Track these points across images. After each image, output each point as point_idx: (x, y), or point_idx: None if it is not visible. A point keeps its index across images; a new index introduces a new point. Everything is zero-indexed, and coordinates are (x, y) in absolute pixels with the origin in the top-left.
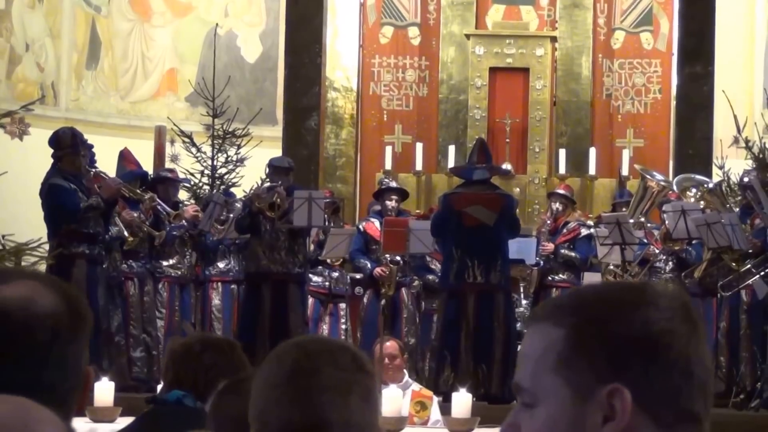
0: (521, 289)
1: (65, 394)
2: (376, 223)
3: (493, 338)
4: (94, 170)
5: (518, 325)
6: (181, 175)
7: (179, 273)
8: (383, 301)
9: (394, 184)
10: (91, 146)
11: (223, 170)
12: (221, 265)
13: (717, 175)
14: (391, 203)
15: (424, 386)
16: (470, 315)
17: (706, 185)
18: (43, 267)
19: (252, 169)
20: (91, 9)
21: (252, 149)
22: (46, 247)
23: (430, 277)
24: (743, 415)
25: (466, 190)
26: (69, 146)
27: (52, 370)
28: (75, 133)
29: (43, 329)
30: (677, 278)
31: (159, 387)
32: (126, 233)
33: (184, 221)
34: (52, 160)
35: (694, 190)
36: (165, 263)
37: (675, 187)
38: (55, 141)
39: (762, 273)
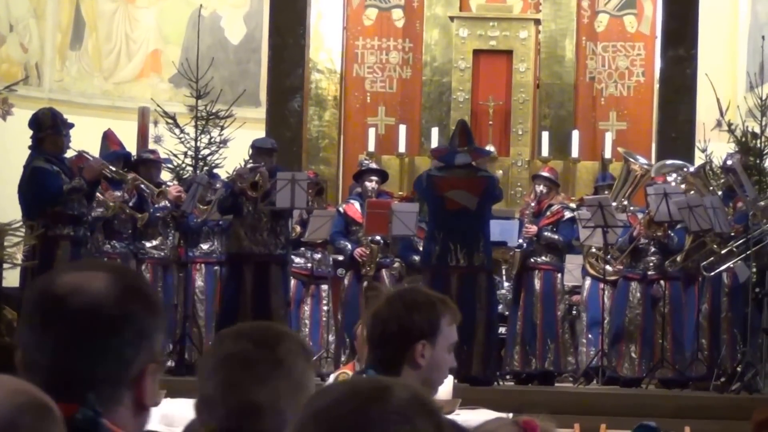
0: (503, 272)
1: (105, 380)
2: (356, 204)
3: (475, 319)
4: (78, 151)
5: (500, 307)
6: (164, 156)
7: (162, 254)
8: (365, 283)
9: (374, 166)
10: (72, 125)
11: (207, 151)
12: (205, 246)
13: (700, 159)
14: (371, 184)
15: None
16: (453, 296)
17: (685, 169)
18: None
19: (235, 151)
20: None
21: (235, 130)
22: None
23: (416, 258)
24: (724, 397)
25: (448, 174)
26: (50, 127)
27: (85, 356)
28: (55, 114)
29: (79, 316)
30: (660, 262)
31: None
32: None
33: (167, 202)
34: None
35: (674, 175)
36: (148, 244)
37: (653, 175)
38: (36, 122)
39: (744, 256)
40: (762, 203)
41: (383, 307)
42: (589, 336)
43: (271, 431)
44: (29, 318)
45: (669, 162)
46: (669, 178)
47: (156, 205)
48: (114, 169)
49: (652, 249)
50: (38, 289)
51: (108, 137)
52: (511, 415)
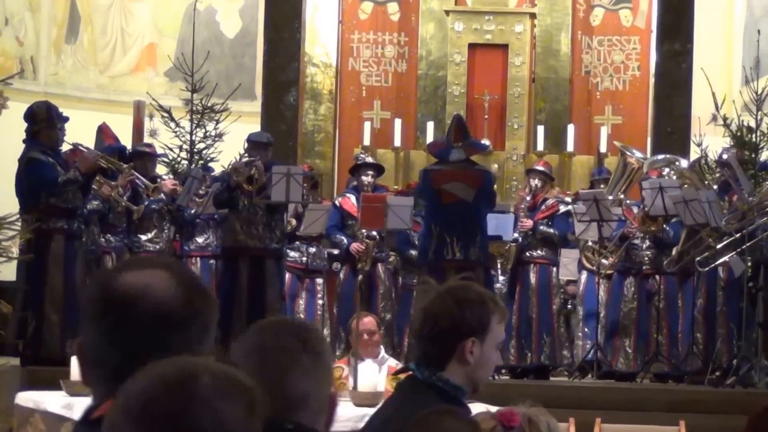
0: (498, 266)
1: None
2: (352, 198)
3: None
4: (73, 144)
5: None
6: (160, 150)
7: (157, 247)
8: (360, 277)
9: (369, 159)
10: (67, 119)
11: (202, 145)
12: (200, 240)
13: (695, 153)
14: (367, 178)
15: (401, 362)
16: None
17: (677, 162)
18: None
19: (230, 145)
20: None
21: (230, 124)
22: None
23: (413, 252)
24: (719, 392)
25: (445, 167)
26: (45, 120)
27: (154, 353)
28: (50, 107)
29: (146, 315)
30: (655, 256)
31: None
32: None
33: (162, 195)
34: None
35: (667, 170)
36: (143, 237)
37: (645, 170)
38: (31, 115)
39: (739, 250)
40: (756, 197)
41: (434, 303)
42: (585, 329)
43: (310, 418)
44: (98, 320)
45: (660, 156)
46: (663, 172)
47: (150, 198)
48: (109, 159)
49: (647, 243)
50: (104, 292)
51: (103, 131)
52: (495, 408)
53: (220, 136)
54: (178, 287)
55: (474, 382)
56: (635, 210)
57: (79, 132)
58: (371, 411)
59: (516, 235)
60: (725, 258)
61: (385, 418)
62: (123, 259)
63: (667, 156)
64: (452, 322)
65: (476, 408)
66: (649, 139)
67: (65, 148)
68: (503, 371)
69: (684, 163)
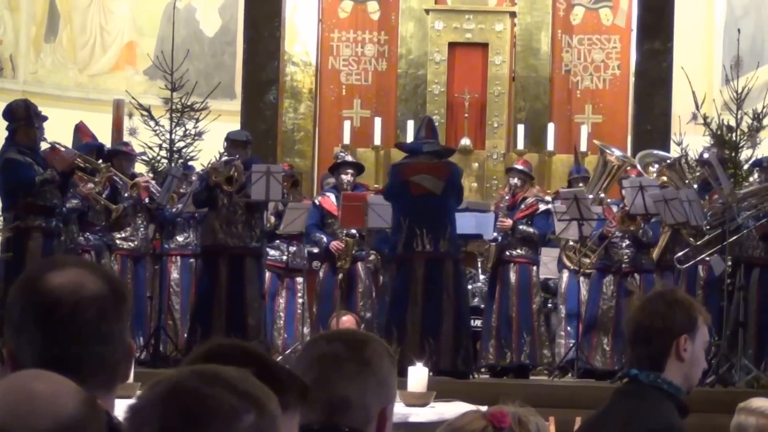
0: (479, 264)
1: (114, 365)
2: (332, 197)
3: (442, 310)
4: (51, 143)
5: (476, 300)
6: (139, 149)
7: (132, 245)
8: (340, 275)
9: (349, 158)
10: (46, 118)
11: (182, 144)
12: (180, 238)
13: (675, 152)
14: (346, 177)
15: None
16: (418, 285)
17: (667, 161)
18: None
19: (210, 143)
20: None
21: (210, 123)
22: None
23: None
24: (699, 390)
25: (414, 161)
26: (23, 119)
27: (101, 344)
28: (28, 105)
29: (91, 310)
30: (634, 255)
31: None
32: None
33: (138, 193)
34: (7, 134)
35: (656, 166)
36: (117, 235)
37: (637, 163)
38: (9, 113)
39: (719, 248)
40: (740, 193)
41: (644, 307)
42: (568, 329)
43: (357, 425)
44: (37, 325)
45: (654, 151)
46: (651, 169)
47: (127, 195)
48: (87, 158)
49: (627, 242)
50: (34, 295)
51: (80, 130)
52: (485, 407)
53: (199, 134)
54: (103, 280)
55: (689, 381)
56: (615, 209)
57: (59, 131)
58: None
59: (496, 234)
60: (704, 256)
61: (620, 424)
62: (102, 258)
63: (660, 152)
64: (665, 322)
65: (458, 407)
66: (629, 138)
67: (44, 146)
68: (483, 370)
69: (671, 162)
